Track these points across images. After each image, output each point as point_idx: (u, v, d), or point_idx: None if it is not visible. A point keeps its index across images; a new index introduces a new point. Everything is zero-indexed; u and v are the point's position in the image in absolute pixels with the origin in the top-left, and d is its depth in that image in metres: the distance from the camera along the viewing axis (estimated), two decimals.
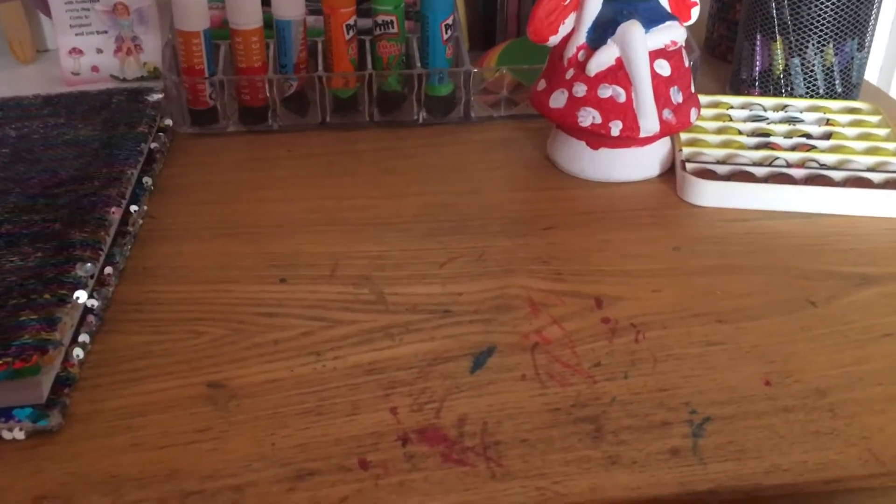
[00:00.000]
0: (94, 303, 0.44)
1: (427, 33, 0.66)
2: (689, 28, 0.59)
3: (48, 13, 0.70)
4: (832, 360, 0.43)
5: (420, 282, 0.49)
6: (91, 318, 0.44)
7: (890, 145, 0.60)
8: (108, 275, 0.47)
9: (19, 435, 0.37)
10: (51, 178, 0.52)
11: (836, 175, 0.57)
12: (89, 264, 0.44)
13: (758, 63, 0.70)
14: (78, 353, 0.41)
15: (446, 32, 0.67)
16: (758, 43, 0.70)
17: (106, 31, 0.70)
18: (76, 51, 0.70)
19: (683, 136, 0.62)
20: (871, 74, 1.06)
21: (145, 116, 0.60)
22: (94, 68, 0.71)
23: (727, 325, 0.45)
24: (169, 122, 0.64)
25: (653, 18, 0.56)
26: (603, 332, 0.45)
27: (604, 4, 0.56)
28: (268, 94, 0.65)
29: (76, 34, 0.70)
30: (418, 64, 0.68)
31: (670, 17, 0.57)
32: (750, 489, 0.35)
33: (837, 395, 0.40)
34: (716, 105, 0.68)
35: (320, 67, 0.68)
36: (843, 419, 0.39)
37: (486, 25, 0.80)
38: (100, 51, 0.71)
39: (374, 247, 0.52)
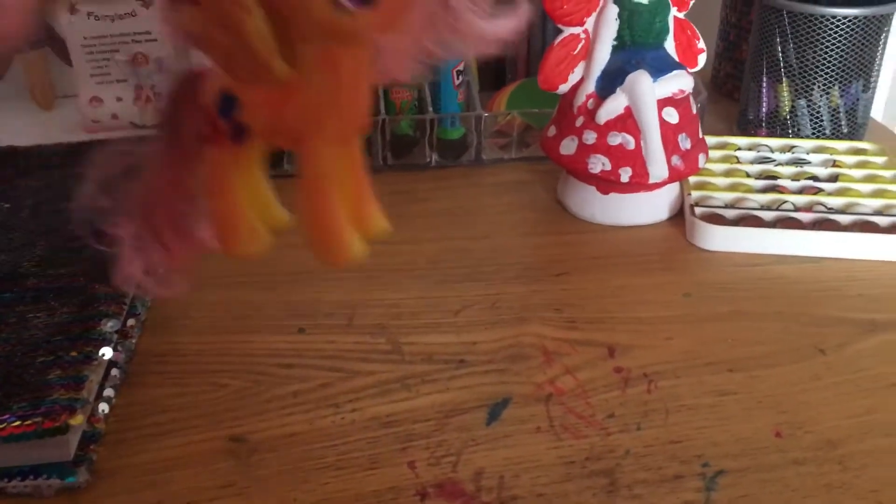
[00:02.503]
0: (118, 356, 0.45)
1: (439, 79, 0.68)
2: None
3: (69, 62, 0.72)
4: (842, 410, 0.43)
5: (435, 331, 0.50)
6: (115, 371, 0.45)
7: None
8: (131, 326, 0.48)
9: (48, 492, 0.38)
10: (73, 229, 0.53)
11: (843, 219, 0.58)
12: (114, 320, 0.45)
13: (764, 104, 0.71)
14: (103, 408, 0.42)
15: (458, 78, 0.68)
16: (764, 84, 0.71)
17: (125, 80, 0.72)
18: (96, 99, 0.72)
19: (692, 179, 0.63)
20: (877, 106, 1.07)
21: None
22: (114, 116, 0.73)
23: (739, 374, 0.46)
24: None
25: (660, 67, 0.57)
26: (616, 382, 0.45)
27: (612, 54, 0.57)
28: None
29: (97, 83, 0.72)
30: (430, 108, 0.69)
31: (678, 65, 0.58)
32: None
33: (848, 447, 0.41)
34: (723, 146, 0.69)
35: None
36: (854, 472, 0.39)
37: (495, 66, 0.81)
38: (119, 99, 0.72)
39: (390, 294, 0.53)
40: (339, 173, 0.36)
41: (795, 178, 0.64)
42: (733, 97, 0.82)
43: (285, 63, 0.31)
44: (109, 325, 0.45)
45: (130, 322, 0.48)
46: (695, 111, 0.60)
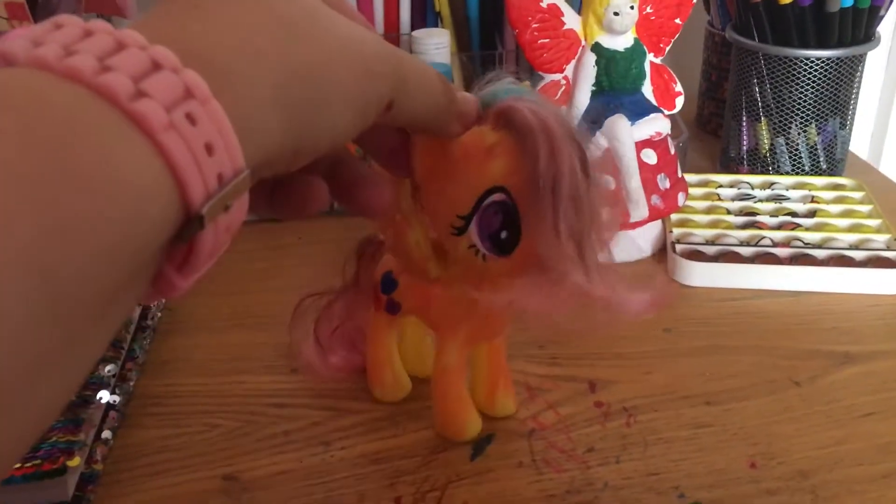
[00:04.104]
0: (115, 398, 0.47)
1: None
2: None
3: None
4: (815, 441, 0.45)
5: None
6: (113, 413, 0.46)
7: (872, 222, 0.63)
8: (129, 369, 0.50)
9: None
10: None
11: (820, 254, 0.60)
12: (112, 365, 0.47)
13: (745, 142, 0.74)
14: (101, 449, 0.44)
15: None
16: (744, 123, 0.73)
17: None
18: None
19: (674, 216, 0.65)
20: (863, 143, 1.09)
21: None
22: None
23: (715, 407, 0.47)
24: None
25: (638, 111, 0.59)
26: (596, 417, 0.47)
27: (591, 99, 0.60)
28: None
29: None
30: None
31: (655, 109, 0.60)
32: None
33: (819, 477, 0.42)
34: (705, 184, 0.71)
35: None
36: (825, 501, 0.41)
37: None
38: None
39: None
40: (476, 361, 0.45)
41: (774, 214, 0.65)
42: (717, 135, 0.84)
43: (438, 268, 0.38)
44: (107, 370, 0.46)
45: (129, 365, 0.50)
46: (673, 152, 0.62)
